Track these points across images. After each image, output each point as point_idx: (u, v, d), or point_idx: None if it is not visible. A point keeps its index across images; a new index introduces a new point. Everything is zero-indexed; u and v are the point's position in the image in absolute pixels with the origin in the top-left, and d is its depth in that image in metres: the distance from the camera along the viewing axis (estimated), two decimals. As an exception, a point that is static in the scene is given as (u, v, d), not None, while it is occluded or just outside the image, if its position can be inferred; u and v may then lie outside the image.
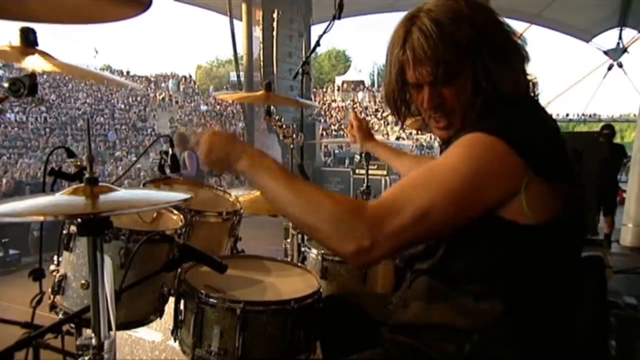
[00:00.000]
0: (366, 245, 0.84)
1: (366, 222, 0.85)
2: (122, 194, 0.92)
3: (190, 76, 38.17)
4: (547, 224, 0.89)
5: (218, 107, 29.40)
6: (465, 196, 0.85)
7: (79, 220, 0.91)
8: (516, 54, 1.00)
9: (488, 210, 0.88)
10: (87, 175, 0.93)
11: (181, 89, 32.83)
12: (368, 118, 29.66)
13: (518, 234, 0.90)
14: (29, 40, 1.08)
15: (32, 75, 1.05)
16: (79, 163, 1.31)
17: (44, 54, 1.16)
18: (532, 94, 1.05)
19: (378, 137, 1.92)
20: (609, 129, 5.98)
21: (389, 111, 1.14)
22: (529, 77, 1.03)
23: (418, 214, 0.84)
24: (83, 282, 1.29)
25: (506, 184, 0.86)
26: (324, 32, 2.36)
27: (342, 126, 25.65)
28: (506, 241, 0.92)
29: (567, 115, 29.64)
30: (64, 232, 1.35)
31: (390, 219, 0.84)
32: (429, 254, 1.07)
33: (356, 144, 1.87)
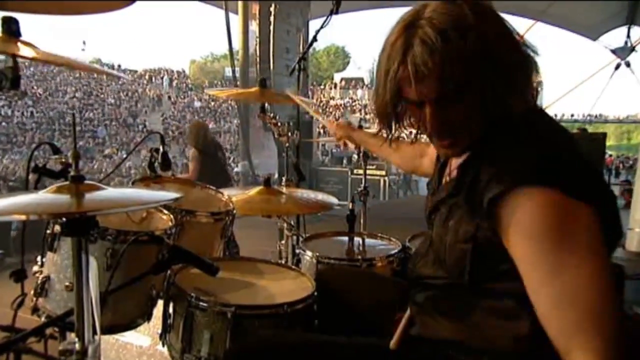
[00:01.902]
0: None
1: None
2: (109, 192, 0.92)
3: (184, 71, 38.17)
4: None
5: (212, 103, 29.39)
6: (600, 265, 0.80)
7: (64, 219, 0.90)
8: (526, 67, 0.95)
9: None
10: (72, 173, 0.92)
11: (174, 84, 32.80)
12: (367, 117, 29.69)
13: None
14: (11, 30, 1.06)
15: (15, 68, 1.04)
16: (64, 160, 1.30)
17: (27, 45, 1.15)
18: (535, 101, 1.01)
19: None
20: (581, 130, 6.58)
21: (378, 126, 1.07)
22: (535, 85, 0.98)
23: (596, 327, 0.77)
24: (67, 284, 1.28)
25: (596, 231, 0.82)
26: (322, 27, 2.36)
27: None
28: None
29: (572, 115, 29.77)
30: (48, 231, 1.34)
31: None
32: (441, 268, 1.04)
33: (346, 145, 1.90)
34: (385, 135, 1.07)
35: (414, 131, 1.08)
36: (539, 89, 1.02)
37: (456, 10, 0.90)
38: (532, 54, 0.96)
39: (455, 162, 1.08)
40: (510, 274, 0.87)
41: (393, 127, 1.04)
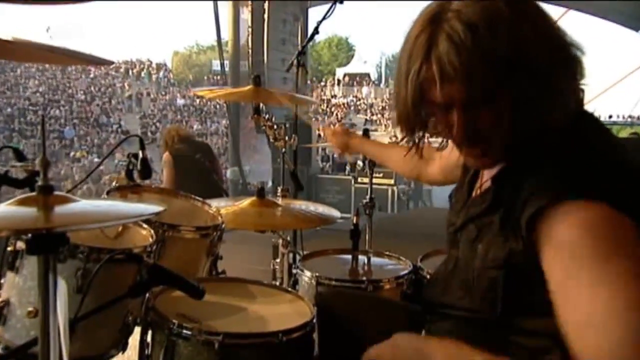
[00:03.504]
0: None
1: None
2: (82, 205, 0.93)
3: (165, 64, 38.32)
4: None
5: (198, 101, 29.48)
6: None
7: (29, 235, 0.91)
8: (568, 70, 0.94)
9: None
10: (40, 182, 0.93)
11: (154, 79, 32.91)
12: (374, 117, 29.77)
13: None
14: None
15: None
16: (30, 167, 1.31)
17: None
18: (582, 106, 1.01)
19: (385, 139, 1.96)
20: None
21: (401, 134, 1.08)
22: (581, 88, 0.99)
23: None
24: (30, 309, 1.28)
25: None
26: (324, 18, 2.38)
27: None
28: None
29: (610, 117, 29.68)
30: (9, 248, 1.35)
31: None
32: (469, 296, 1.05)
33: (344, 153, 1.91)
34: (409, 145, 1.07)
35: (438, 140, 1.09)
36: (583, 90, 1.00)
37: (489, 2, 0.89)
38: (578, 53, 0.95)
39: (488, 173, 1.09)
40: (545, 306, 0.88)
41: (418, 135, 1.04)
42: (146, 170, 1.74)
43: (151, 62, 35.66)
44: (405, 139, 1.06)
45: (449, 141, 1.09)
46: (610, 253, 0.82)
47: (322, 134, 2.01)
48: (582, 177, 0.87)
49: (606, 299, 0.80)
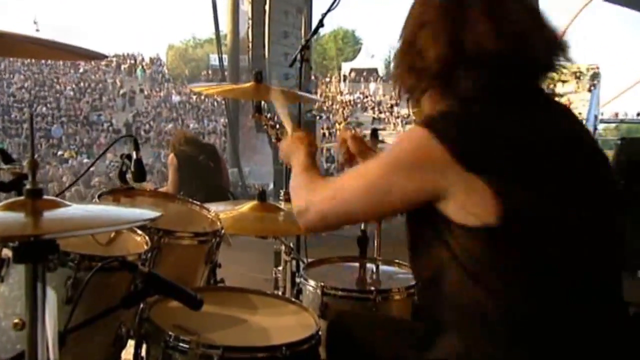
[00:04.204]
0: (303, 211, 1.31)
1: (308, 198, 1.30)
2: (73, 210, 0.93)
3: (160, 58, 38.43)
4: (502, 226, 1.02)
5: (194, 98, 29.52)
6: (381, 184, 1.14)
7: (16, 243, 0.91)
8: (436, 58, 1.14)
9: (412, 202, 1.12)
10: (28, 186, 0.93)
11: (147, 74, 32.98)
12: (382, 116, 29.77)
13: (472, 236, 1.05)
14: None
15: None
16: (17, 169, 1.31)
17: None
18: (549, 87, 1.20)
19: (393, 139, 1.94)
20: None
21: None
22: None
23: (342, 209, 1.23)
24: (17, 321, 1.26)
25: (427, 176, 1.08)
26: (329, 9, 2.39)
27: (351, 125, 25.77)
28: (460, 244, 1.06)
29: (639, 114, 29.43)
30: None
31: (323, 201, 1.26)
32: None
33: (353, 161, 1.86)
34: None
35: None
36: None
37: None
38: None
39: None
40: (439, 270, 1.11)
41: None
42: (140, 173, 1.74)
43: (144, 56, 35.78)
44: None
45: None
46: (394, 152, 1.14)
47: (337, 132, 1.96)
48: (435, 116, 1.13)
49: (354, 170, 1.31)
